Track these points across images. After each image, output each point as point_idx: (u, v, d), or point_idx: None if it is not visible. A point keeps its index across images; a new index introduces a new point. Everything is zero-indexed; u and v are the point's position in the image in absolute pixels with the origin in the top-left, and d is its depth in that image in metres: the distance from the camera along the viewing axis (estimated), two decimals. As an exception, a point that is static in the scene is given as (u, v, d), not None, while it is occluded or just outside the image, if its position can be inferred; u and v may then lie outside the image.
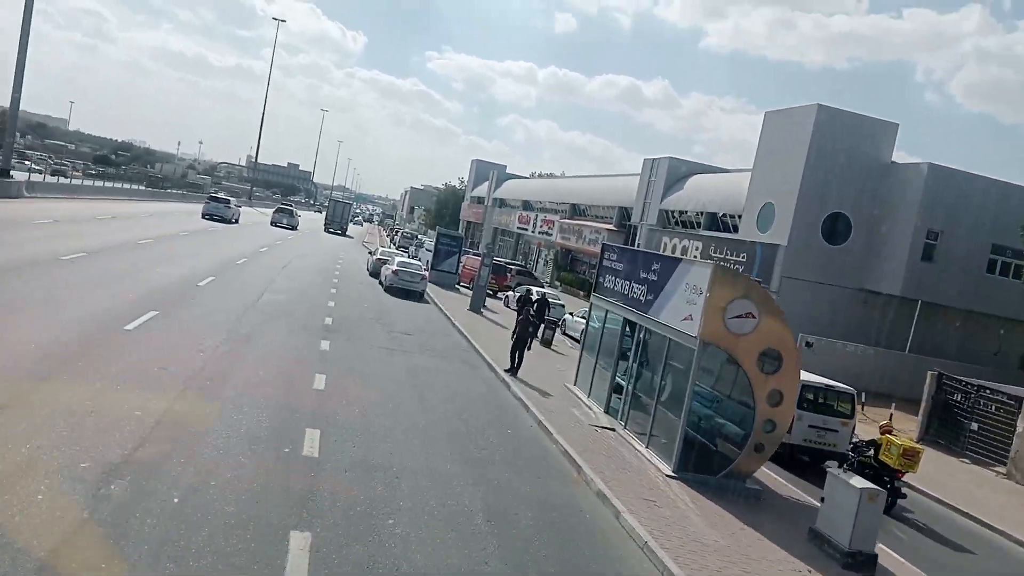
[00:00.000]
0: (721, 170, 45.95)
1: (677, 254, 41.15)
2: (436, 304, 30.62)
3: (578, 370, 18.88)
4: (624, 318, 16.25)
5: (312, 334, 18.41)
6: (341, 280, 32.59)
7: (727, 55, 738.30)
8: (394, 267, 31.12)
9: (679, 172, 45.77)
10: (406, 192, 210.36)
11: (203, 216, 51.47)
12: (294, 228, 65.29)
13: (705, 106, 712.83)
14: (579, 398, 17.54)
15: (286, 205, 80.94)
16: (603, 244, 19.17)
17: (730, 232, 38.73)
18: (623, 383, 16.06)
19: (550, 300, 29.12)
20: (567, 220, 59.80)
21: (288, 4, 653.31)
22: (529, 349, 19.66)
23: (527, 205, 73.86)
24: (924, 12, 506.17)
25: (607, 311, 17.49)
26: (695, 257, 39.45)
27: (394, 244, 73.48)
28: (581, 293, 54.61)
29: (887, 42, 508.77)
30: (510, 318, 28.72)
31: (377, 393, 14.26)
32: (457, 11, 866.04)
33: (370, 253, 39.57)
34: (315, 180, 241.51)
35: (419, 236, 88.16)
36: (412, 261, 32.79)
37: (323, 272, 34.02)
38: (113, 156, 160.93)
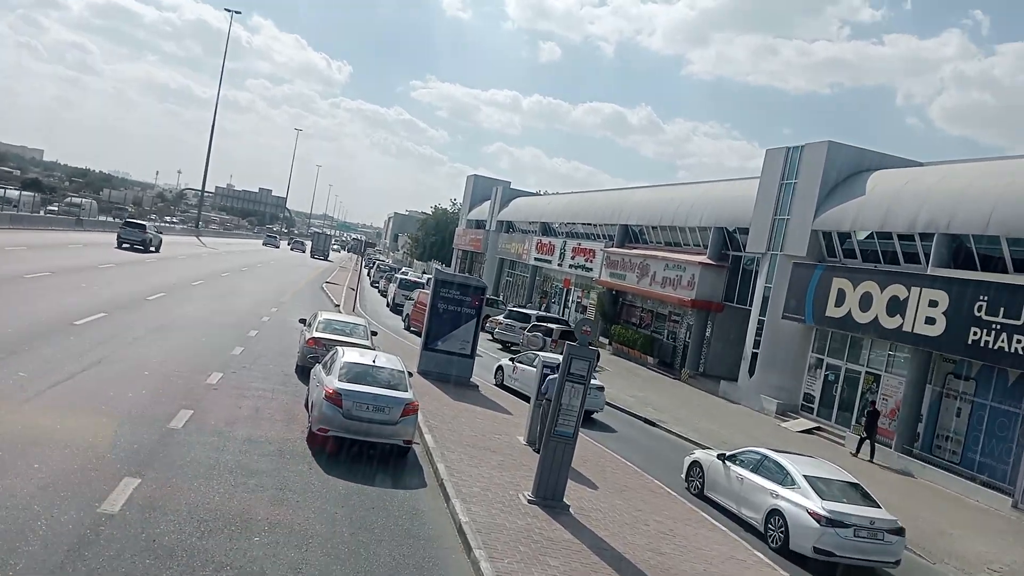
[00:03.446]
0: (914, 163, 27.25)
1: (880, 310, 22.35)
2: (438, 478, 11.53)
3: None
4: None
5: None
6: (197, 417, 13.36)
7: (710, 82, 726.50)
8: (335, 383, 11.97)
9: (845, 165, 26.98)
10: (389, 218, 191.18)
11: (263, 245, 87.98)
12: (303, 252, 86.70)
13: (689, 132, 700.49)
14: None
15: (298, 238, 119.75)
16: None
17: (1012, 272, 19.95)
18: None
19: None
20: (618, 249, 40.89)
21: (273, 35, 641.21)
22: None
23: (547, 229, 55.00)
24: (905, 38, 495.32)
25: None
26: (934, 320, 20.61)
27: (369, 277, 60.36)
28: (649, 360, 35.62)
29: (869, 68, 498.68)
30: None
31: None
32: (441, 41, 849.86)
33: (303, 323, 20.35)
34: (290, 207, 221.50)
35: (402, 269, 69.41)
36: (381, 362, 13.07)
37: (168, 381, 14.77)
38: (67, 183, 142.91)
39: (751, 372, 28.59)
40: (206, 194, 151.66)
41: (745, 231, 30.96)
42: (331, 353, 13.60)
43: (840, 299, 24.27)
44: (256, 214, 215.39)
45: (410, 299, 34.73)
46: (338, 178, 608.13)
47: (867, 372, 24.39)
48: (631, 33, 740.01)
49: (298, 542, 8.39)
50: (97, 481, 8.78)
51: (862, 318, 23.34)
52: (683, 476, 15.43)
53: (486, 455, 13.39)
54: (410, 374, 13.44)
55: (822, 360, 26.24)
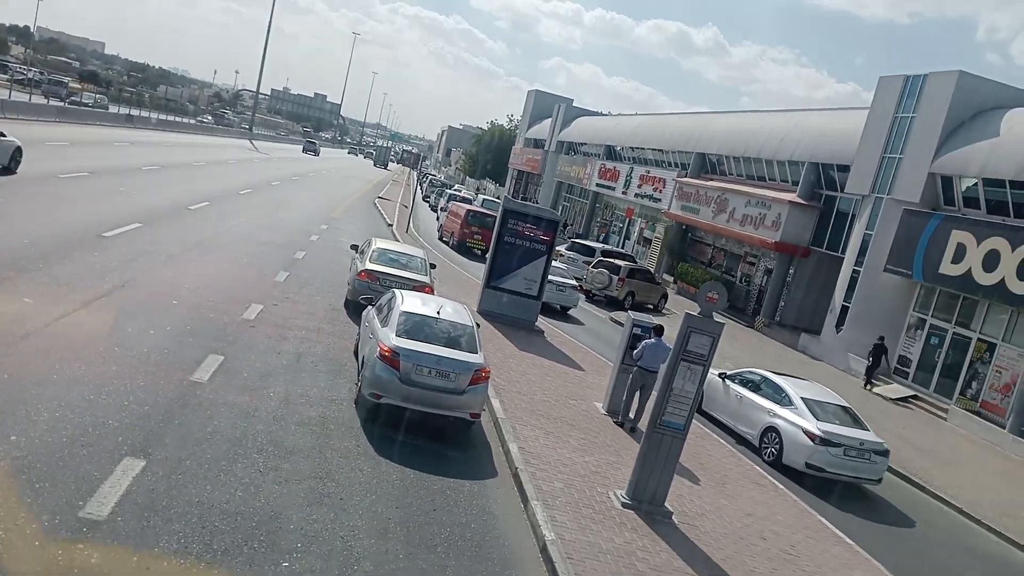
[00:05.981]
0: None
1: (1010, 272, 19.54)
2: (511, 465, 9.48)
3: None
4: None
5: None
6: (227, 367, 11.44)
7: (783, 4, 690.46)
8: (392, 339, 9.63)
9: (975, 101, 23.39)
10: (443, 132, 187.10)
11: (348, 153, 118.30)
12: (385, 167, 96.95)
13: (756, 56, 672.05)
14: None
15: (369, 149, 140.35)
16: None
17: None
18: None
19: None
20: (694, 180, 37.80)
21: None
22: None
23: (612, 153, 51.77)
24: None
25: None
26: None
27: (421, 191, 59.30)
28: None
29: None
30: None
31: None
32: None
33: (355, 250, 18.15)
34: (344, 114, 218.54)
35: (454, 186, 66.99)
36: (447, 314, 10.42)
37: (199, 314, 12.85)
38: (125, 77, 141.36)
39: (838, 327, 25.91)
40: (261, 96, 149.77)
41: (844, 169, 27.74)
42: (387, 296, 11.44)
43: (959, 255, 21.30)
44: (310, 119, 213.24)
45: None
46: (393, 87, 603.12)
47: (979, 339, 21.55)
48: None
49: (339, 571, 6.37)
50: (88, 464, 6.82)
51: (985, 279, 20.42)
52: None
53: (564, 430, 11.26)
54: (477, 325, 11.26)
55: (924, 320, 23.44)
